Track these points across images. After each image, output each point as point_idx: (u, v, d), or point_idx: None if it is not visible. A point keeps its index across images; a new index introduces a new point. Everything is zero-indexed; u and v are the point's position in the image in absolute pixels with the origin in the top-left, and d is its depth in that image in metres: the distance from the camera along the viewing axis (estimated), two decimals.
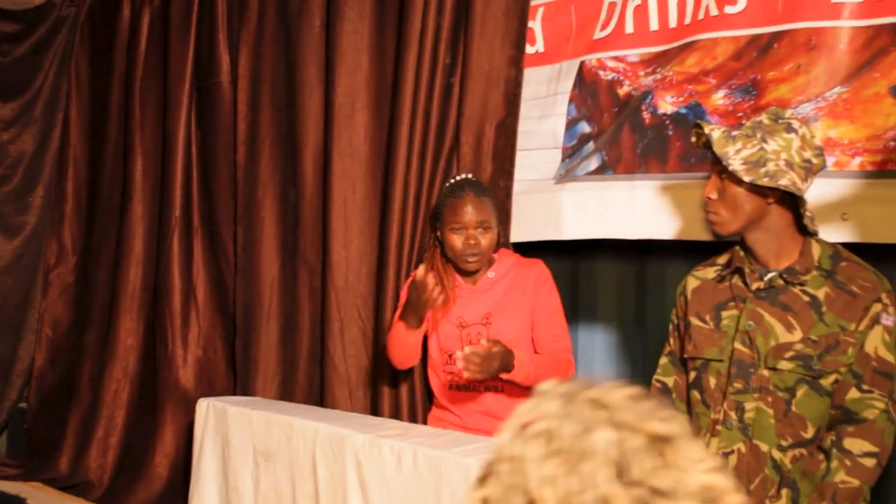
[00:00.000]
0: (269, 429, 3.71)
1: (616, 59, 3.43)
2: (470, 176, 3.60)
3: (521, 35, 3.66)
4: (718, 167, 2.49)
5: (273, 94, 4.47)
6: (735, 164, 2.39)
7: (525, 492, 0.99)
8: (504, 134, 3.73)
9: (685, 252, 3.50)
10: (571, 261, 4.08)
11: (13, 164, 5.47)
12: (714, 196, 2.50)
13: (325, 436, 3.46)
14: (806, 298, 2.42)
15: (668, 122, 3.26)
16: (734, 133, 2.45)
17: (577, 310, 4.07)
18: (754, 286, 2.48)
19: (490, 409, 3.47)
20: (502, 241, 3.60)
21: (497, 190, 3.68)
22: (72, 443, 5.12)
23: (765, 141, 2.40)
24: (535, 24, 3.72)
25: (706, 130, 2.48)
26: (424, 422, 3.74)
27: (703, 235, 3.12)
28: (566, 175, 3.54)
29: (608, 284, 3.99)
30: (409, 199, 3.85)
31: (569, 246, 3.84)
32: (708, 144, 2.50)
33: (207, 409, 4.02)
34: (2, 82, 5.42)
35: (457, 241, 3.39)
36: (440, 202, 3.52)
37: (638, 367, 3.86)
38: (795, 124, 2.44)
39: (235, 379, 4.58)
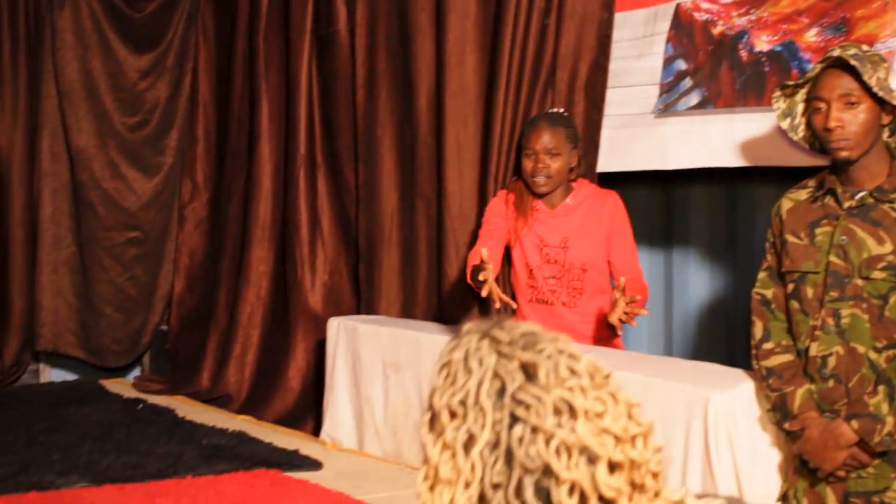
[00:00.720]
0: (398, 343, 3.91)
1: (710, 1, 3.52)
2: (560, 110, 3.78)
3: None
4: (845, 95, 2.50)
5: (388, 41, 4.57)
6: (879, 90, 2.45)
7: (431, 407, 1.18)
8: (596, 71, 3.85)
9: (770, 178, 3.61)
10: (664, 189, 4.20)
11: (150, 110, 5.59)
12: (840, 124, 2.51)
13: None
14: (895, 214, 2.51)
15: (763, 59, 3.32)
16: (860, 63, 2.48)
17: (670, 234, 4.21)
18: (846, 205, 2.55)
19: (567, 323, 3.63)
20: (583, 171, 3.75)
21: (590, 123, 3.82)
22: (211, 360, 5.29)
23: (877, 68, 2.51)
24: None
25: (852, 62, 2.47)
26: None
27: (791, 162, 3.22)
28: (666, 109, 3.65)
29: (700, 210, 4.11)
30: (505, 131, 4.00)
31: (661, 175, 3.96)
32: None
33: (338, 327, 4.23)
34: (137, 36, 5.53)
35: (528, 164, 3.62)
36: (521, 132, 3.75)
37: (729, 286, 3.99)
38: (883, 54, 2.56)
39: (359, 300, 4.75)
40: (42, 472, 3.71)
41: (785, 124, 2.76)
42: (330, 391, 4.27)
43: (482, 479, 1.11)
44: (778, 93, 2.73)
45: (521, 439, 1.10)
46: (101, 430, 4.43)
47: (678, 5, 3.62)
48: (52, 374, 5.78)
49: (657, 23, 3.70)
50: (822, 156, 2.83)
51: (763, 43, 3.34)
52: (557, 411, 1.11)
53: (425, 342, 3.78)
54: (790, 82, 2.71)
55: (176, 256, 5.73)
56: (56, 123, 5.51)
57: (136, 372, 5.87)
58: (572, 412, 1.11)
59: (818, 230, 2.61)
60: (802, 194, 2.69)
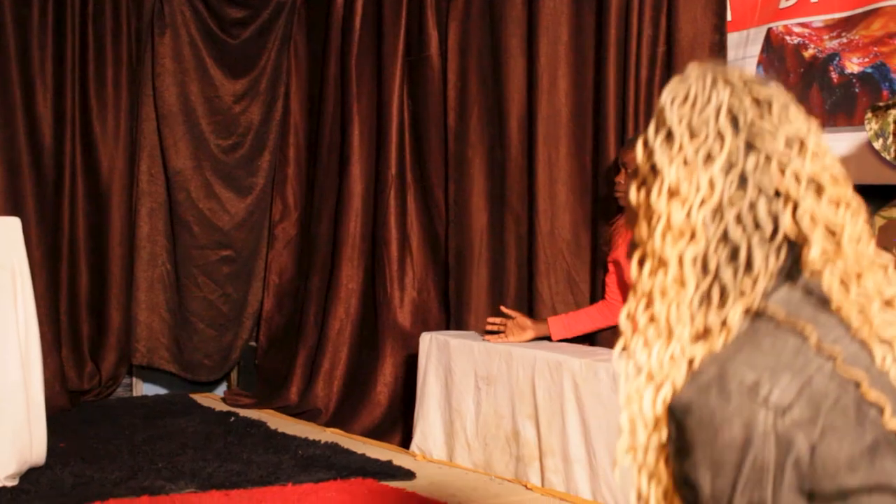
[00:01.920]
0: (490, 357, 4.00)
1: (801, 24, 3.57)
2: None
3: (721, 4, 3.77)
4: None
5: (479, 65, 4.67)
6: None
7: (666, 126, 1.27)
8: None
9: (860, 195, 3.64)
10: None
11: (244, 133, 5.67)
12: None
13: (543, 361, 3.73)
14: None
15: (854, 80, 3.36)
16: None
17: None
18: None
19: None
20: None
21: None
22: (300, 375, 5.38)
23: None
24: None
25: None
26: None
27: (881, 180, 3.19)
28: None
29: None
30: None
31: None
32: None
33: (430, 342, 4.32)
34: (232, 61, 5.61)
35: (618, 178, 3.78)
36: None
37: None
38: None
39: (447, 317, 4.84)
40: (151, 478, 3.81)
41: (878, 144, 2.80)
42: (421, 404, 4.34)
43: (720, 195, 1.20)
44: (870, 114, 2.77)
45: (755, 166, 1.21)
46: (199, 440, 4.53)
47: (769, 29, 3.69)
48: (145, 388, 5.87)
49: (748, 46, 3.76)
50: None
51: (854, 65, 3.37)
52: (789, 143, 1.22)
53: (518, 356, 3.86)
54: (881, 103, 2.76)
55: (266, 274, 5.79)
56: (154, 145, 5.60)
57: (224, 387, 5.96)
58: (802, 147, 1.23)
59: None
60: (894, 212, 2.71)
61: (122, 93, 5.53)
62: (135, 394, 5.83)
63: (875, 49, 3.31)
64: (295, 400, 5.36)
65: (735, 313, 1.20)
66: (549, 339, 4.00)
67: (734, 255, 1.20)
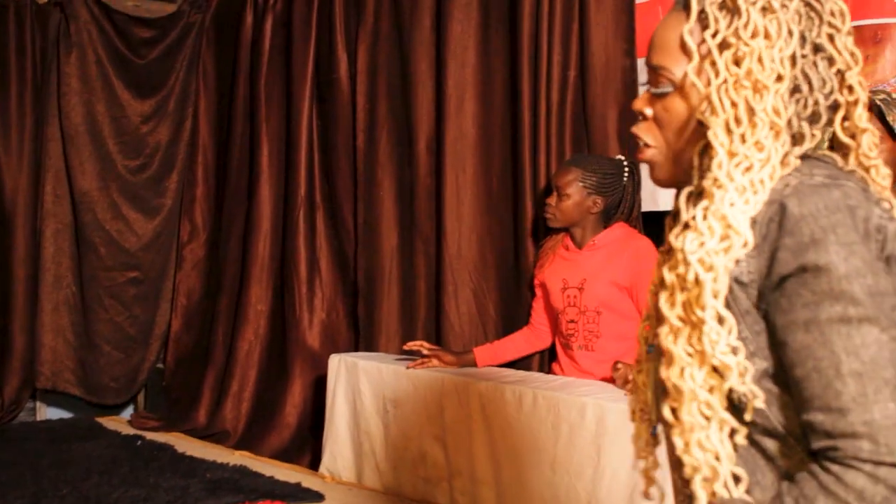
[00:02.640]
0: (398, 379, 3.98)
1: None
2: (587, 154, 3.86)
3: (629, 29, 3.84)
4: None
5: (389, 87, 4.69)
6: None
7: None
8: (626, 117, 3.81)
9: None
10: None
11: (151, 153, 5.63)
12: None
13: (451, 384, 3.75)
14: None
15: None
16: None
17: None
18: None
19: (583, 368, 3.67)
20: (621, 214, 3.72)
21: (622, 166, 3.75)
22: (208, 397, 5.32)
23: None
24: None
25: None
26: (550, 371, 3.92)
27: None
28: None
29: None
30: (539, 176, 4.05)
31: None
32: None
33: (339, 364, 4.30)
34: (140, 81, 5.57)
35: (549, 200, 3.75)
36: None
37: None
38: None
39: (356, 338, 4.81)
40: None
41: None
42: (330, 425, 4.32)
43: (794, 45, 1.31)
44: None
45: (811, 28, 1.33)
46: (104, 464, 4.44)
47: None
48: (48, 412, 5.76)
49: None
50: None
51: None
52: (833, 14, 1.35)
53: (425, 378, 3.86)
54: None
55: (174, 296, 5.75)
56: (60, 166, 5.53)
57: (130, 409, 5.86)
58: (844, 20, 1.35)
59: None
60: None
61: (27, 112, 5.44)
62: (38, 418, 5.72)
63: None
64: (203, 422, 5.30)
65: (797, 154, 1.32)
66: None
67: (803, 105, 1.32)
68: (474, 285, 4.28)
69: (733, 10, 1.31)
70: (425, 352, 3.93)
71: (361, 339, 4.75)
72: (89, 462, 4.49)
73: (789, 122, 1.31)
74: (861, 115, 1.34)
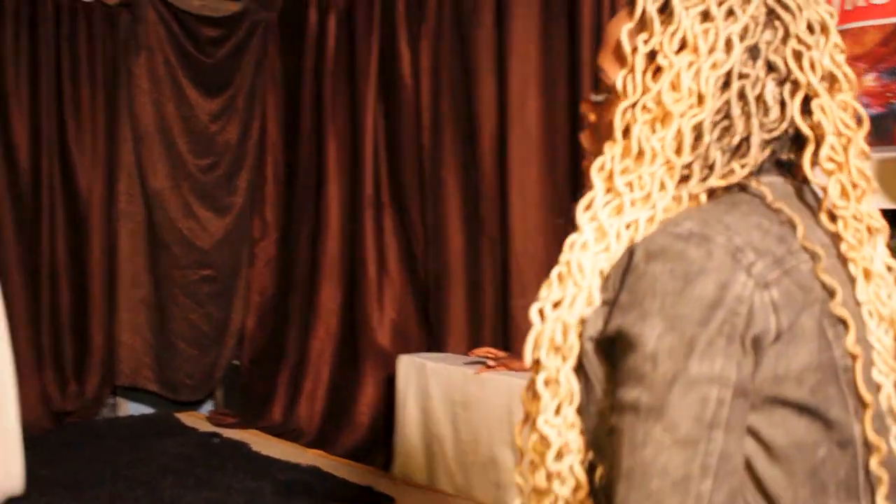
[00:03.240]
0: (467, 383, 3.96)
1: None
2: None
3: None
4: None
5: (452, 84, 4.65)
6: None
7: None
8: None
9: None
10: None
11: (221, 152, 5.65)
12: None
13: (519, 388, 3.70)
14: None
15: None
16: None
17: None
18: None
19: None
20: None
21: None
22: (283, 395, 5.38)
23: None
24: None
25: None
26: None
27: None
28: None
29: None
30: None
31: None
32: None
33: (408, 365, 4.30)
34: (208, 80, 5.59)
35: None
36: None
37: None
38: None
39: (426, 336, 4.82)
40: None
41: None
42: (401, 427, 4.34)
43: (733, 62, 1.07)
44: None
45: (771, 41, 1.08)
46: (180, 464, 4.50)
47: None
48: (130, 408, 5.82)
49: None
50: None
51: None
52: (811, 28, 1.09)
53: (492, 382, 3.84)
54: None
55: (247, 293, 5.79)
56: (132, 166, 5.56)
57: (210, 405, 5.93)
58: (826, 35, 1.10)
59: None
60: None
61: (99, 113, 5.50)
62: (120, 413, 5.78)
63: None
64: (278, 419, 5.36)
65: (707, 188, 1.09)
66: None
67: (729, 133, 1.09)
68: (541, 285, 4.21)
69: (669, 14, 1.11)
70: (490, 363, 3.89)
71: (431, 338, 4.74)
72: (165, 461, 4.56)
73: (706, 153, 1.08)
74: (828, 156, 1.09)
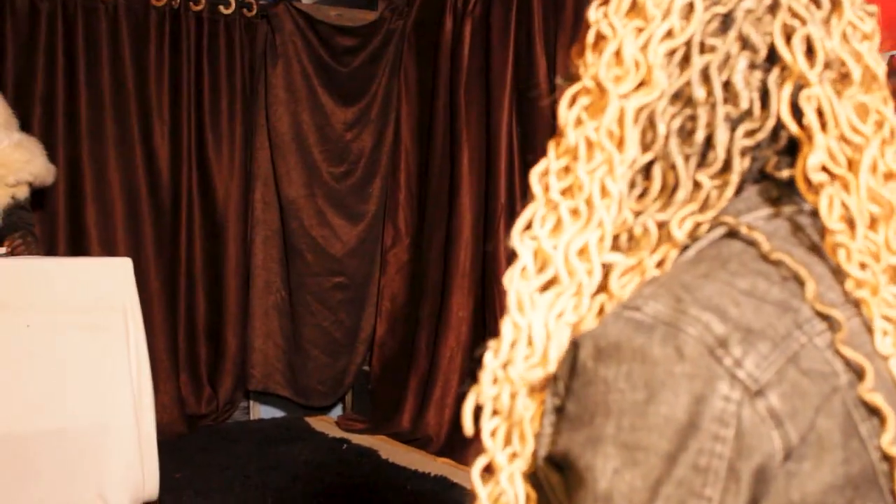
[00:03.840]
0: None
1: None
2: None
3: None
4: None
5: None
6: None
7: None
8: None
9: None
10: None
11: (355, 160, 5.69)
12: None
13: None
14: None
15: None
16: None
17: None
18: None
19: None
20: None
21: None
22: (412, 402, 5.37)
23: None
24: None
25: None
26: None
27: None
28: None
29: None
30: None
31: None
32: None
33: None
34: (343, 89, 5.63)
35: None
36: None
37: None
38: None
39: None
40: None
41: None
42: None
43: (693, 32, 0.82)
44: None
45: (750, 9, 0.83)
46: (310, 471, 4.54)
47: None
48: (261, 411, 5.94)
49: None
50: None
51: None
52: (815, 2, 0.84)
53: None
54: None
55: (378, 300, 5.82)
56: (268, 174, 5.66)
57: (339, 409, 5.99)
58: (835, 9, 0.84)
59: None
60: None
61: (237, 123, 5.60)
62: (252, 417, 5.90)
63: None
64: (407, 427, 5.36)
65: (680, 218, 0.82)
66: None
67: (690, 130, 0.83)
68: None
69: None
70: None
71: None
72: (295, 467, 4.60)
73: (665, 151, 0.83)
74: (821, 165, 0.81)
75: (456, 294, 5.23)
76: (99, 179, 5.21)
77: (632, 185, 0.84)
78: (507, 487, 0.83)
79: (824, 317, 0.77)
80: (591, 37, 0.88)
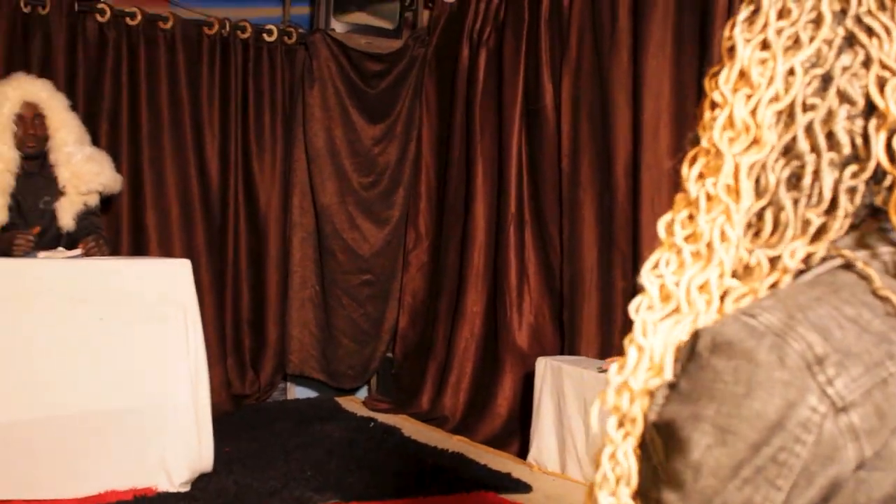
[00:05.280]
0: (598, 384, 3.94)
1: None
2: None
3: None
4: None
5: (590, 116, 4.62)
6: None
7: (755, 1, 0.90)
8: None
9: None
10: None
11: (381, 172, 5.72)
12: None
13: None
14: None
15: None
16: None
17: None
18: None
19: None
20: None
21: None
22: (430, 386, 5.42)
23: None
24: None
25: None
26: None
27: None
28: None
29: None
30: None
31: None
32: None
33: (545, 367, 4.29)
34: (371, 109, 5.66)
35: None
36: None
37: None
38: None
39: (562, 340, 4.79)
40: (301, 489, 3.85)
41: None
42: (536, 420, 4.33)
43: (796, 94, 0.84)
44: None
45: (847, 67, 0.83)
46: (343, 447, 4.57)
47: None
48: (297, 392, 5.96)
49: None
50: None
51: None
52: None
53: None
54: None
55: (401, 296, 5.83)
56: (305, 183, 5.68)
57: (364, 391, 6.00)
58: None
59: None
60: None
61: (278, 138, 5.64)
62: (288, 397, 5.93)
63: None
64: (426, 407, 5.40)
65: (791, 251, 0.85)
66: None
67: (798, 177, 0.84)
68: None
69: (732, 49, 0.90)
70: None
71: (565, 342, 4.71)
72: (330, 443, 4.63)
73: (775, 198, 0.85)
74: None
75: (470, 291, 5.26)
76: (157, 187, 5.26)
77: (747, 226, 0.87)
78: (622, 461, 0.89)
79: None
80: (706, 104, 0.90)
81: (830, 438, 0.76)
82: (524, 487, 3.99)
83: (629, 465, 0.88)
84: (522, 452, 4.52)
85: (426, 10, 5.76)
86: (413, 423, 5.22)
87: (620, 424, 0.88)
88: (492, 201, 5.24)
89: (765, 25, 0.86)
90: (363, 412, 5.44)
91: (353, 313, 5.76)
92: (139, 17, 5.17)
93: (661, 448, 0.83)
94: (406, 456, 4.45)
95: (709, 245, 0.86)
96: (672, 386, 0.83)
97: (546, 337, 4.95)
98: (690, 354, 0.82)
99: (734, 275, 0.86)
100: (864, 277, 0.81)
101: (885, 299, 0.79)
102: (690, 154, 0.89)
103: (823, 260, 0.84)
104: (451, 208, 5.54)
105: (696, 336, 0.82)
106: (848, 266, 0.82)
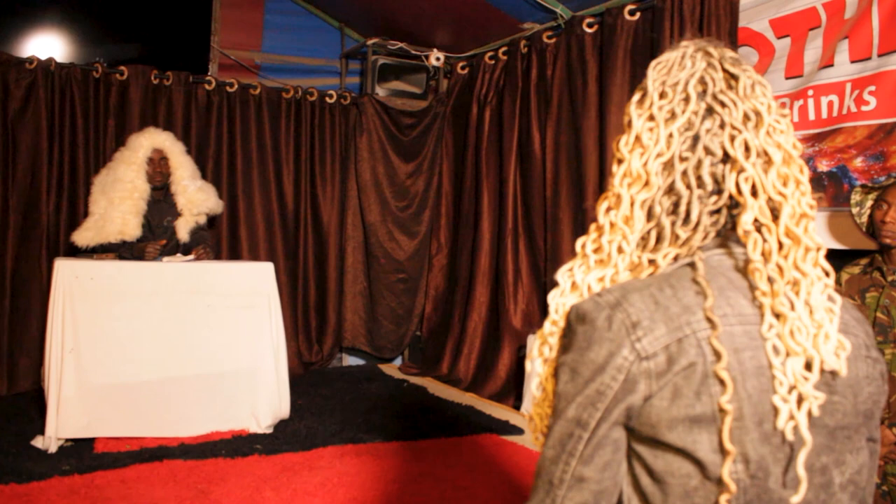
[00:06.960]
0: None
1: None
2: None
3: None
4: None
5: (567, 156, 4.60)
6: None
7: (644, 86, 0.97)
8: None
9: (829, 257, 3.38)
10: None
11: (412, 198, 5.67)
12: (893, 221, 2.36)
13: None
14: None
15: (824, 177, 3.22)
16: None
17: None
18: (890, 278, 2.41)
19: None
20: None
21: None
22: (448, 356, 5.38)
23: None
24: None
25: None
26: None
27: (843, 245, 3.07)
28: None
29: None
30: None
31: None
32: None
33: (533, 340, 4.30)
34: (405, 152, 5.64)
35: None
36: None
37: None
38: None
39: (544, 321, 4.79)
40: (354, 431, 3.84)
41: (854, 210, 2.61)
42: (528, 380, 4.33)
43: (674, 150, 0.91)
44: (858, 188, 2.57)
45: (709, 129, 0.91)
46: (384, 401, 4.54)
47: None
48: (349, 360, 5.93)
49: None
50: (872, 240, 2.73)
51: (823, 166, 3.22)
52: (747, 116, 0.91)
53: None
54: (867, 184, 2.56)
55: (426, 289, 5.77)
56: (356, 206, 5.65)
57: (399, 360, 5.95)
58: (759, 121, 0.91)
59: (868, 295, 2.46)
60: (856, 269, 2.53)
61: (336, 173, 5.61)
62: (343, 364, 5.90)
63: (838, 155, 3.17)
64: (446, 372, 5.35)
65: (664, 254, 0.91)
66: None
67: (676, 206, 0.91)
68: None
69: (629, 123, 0.96)
70: None
71: None
72: (375, 399, 4.60)
73: (659, 222, 0.91)
74: (753, 218, 0.88)
75: (478, 286, 5.22)
76: (248, 210, 5.27)
77: (641, 240, 0.93)
78: (542, 386, 1.01)
79: (710, 320, 0.85)
80: (614, 161, 0.97)
81: (633, 377, 0.83)
82: (518, 431, 3.99)
83: (548, 389, 1.00)
84: (518, 404, 4.52)
85: (445, 79, 5.75)
86: (436, 383, 5.18)
87: (544, 362, 0.98)
88: (494, 219, 5.21)
89: (650, 104, 0.94)
90: (398, 375, 5.42)
91: (391, 302, 5.71)
92: (236, 86, 5.23)
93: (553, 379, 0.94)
94: (431, 408, 4.42)
95: (609, 255, 0.93)
96: (562, 338, 0.92)
97: (535, 319, 4.91)
98: (568, 321, 0.90)
99: (632, 269, 0.93)
100: (694, 268, 0.89)
101: (697, 283, 0.87)
102: (602, 196, 0.96)
103: (681, 259, 0.92)
104: (464, 224, 5.49)
105: (573, 309, 0.90)
106: (691, 263, 0.90)
